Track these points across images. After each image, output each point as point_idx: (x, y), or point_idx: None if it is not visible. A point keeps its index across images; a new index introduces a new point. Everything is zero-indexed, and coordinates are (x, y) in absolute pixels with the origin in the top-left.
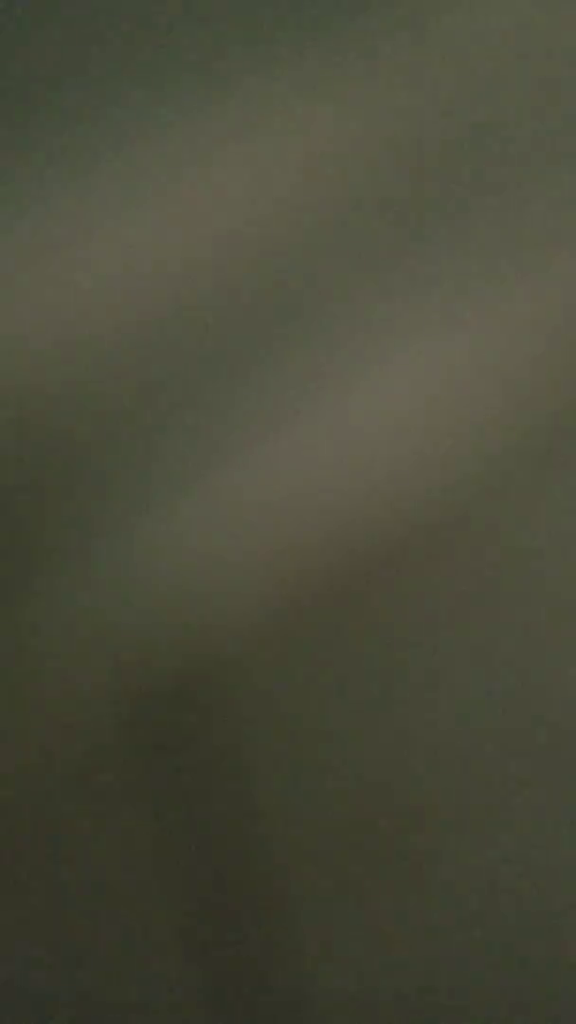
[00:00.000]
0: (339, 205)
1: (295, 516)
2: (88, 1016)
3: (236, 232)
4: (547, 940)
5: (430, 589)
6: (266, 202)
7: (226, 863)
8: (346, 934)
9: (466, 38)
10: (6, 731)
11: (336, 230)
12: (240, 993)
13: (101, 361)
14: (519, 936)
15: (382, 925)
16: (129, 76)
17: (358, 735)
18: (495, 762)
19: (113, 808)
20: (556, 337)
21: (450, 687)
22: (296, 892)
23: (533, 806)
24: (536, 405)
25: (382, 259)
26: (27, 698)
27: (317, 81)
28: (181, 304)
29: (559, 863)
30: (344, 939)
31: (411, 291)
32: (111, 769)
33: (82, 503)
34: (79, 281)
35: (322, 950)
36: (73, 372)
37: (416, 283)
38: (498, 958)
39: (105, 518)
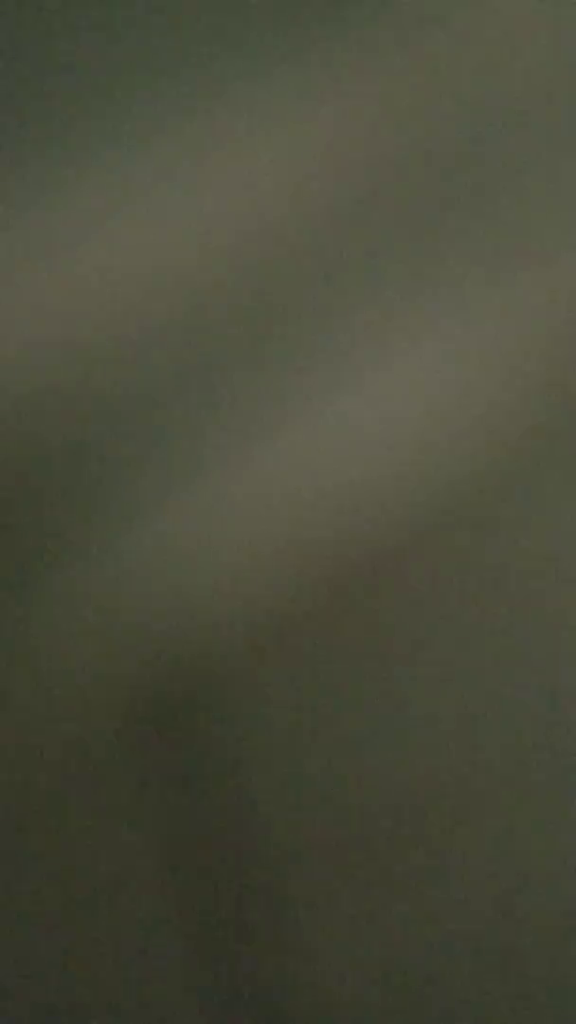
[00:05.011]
0: (338, 207)
1: (295, 517)
2: (88, 1015)
3: (235, 234)
4: (549, 938)
5: (430, 589)
6: (265, 204)
7: (227, 863)
8: (347, 933)
9: (465, 42)
10: (6, 732)
11: (335, 232)
12: (240, 991)
13: (101, 361)
14: (521, 935)
15: (383, 924)
16: (128, 80)
17: (359, 735)
18: (496, 761)
19: (114, 809)
20: (557, 337)
21: (451, 687)
22: (297, 891)
23: (535, 805)
24: (536, 405)
25: (381, 260)
26: (27, 700)
27: (316, 85)
28: (180, 306)
29: (560, 861)
30: (345, 938)
31: (410, 293)
32: (112, 770)
33: (81, 505)
34: (77, 283)
35: (322, 948)
36: (74, 372)
37: (415, 285)
38: (499, 957)
39: (105, 520)
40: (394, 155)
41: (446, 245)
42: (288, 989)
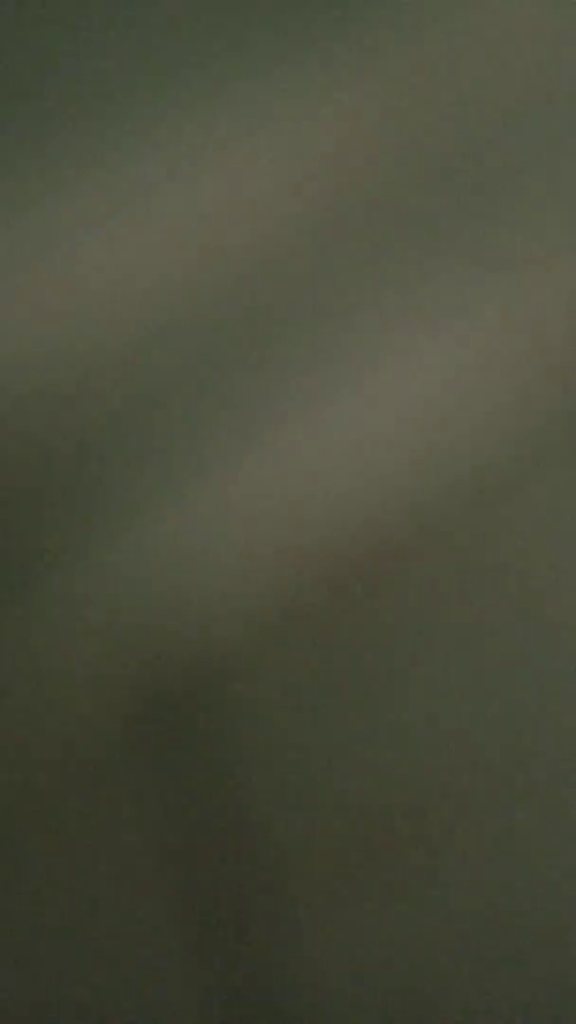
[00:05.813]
0: (337, 209)
1: (296, 517)
2: (88, 1015)
3: (233, 236)
4: (550, 937)
5: (430, 589)
6: (264, 206)
7: (227, 863)
8: (347, 933)
9: (464, 42)
10: (6, 732)
11: (335, 232)
12: (240, 991)
13: (101, 361)
14: (521, 935)
15: (383, 924)
16: (128, 81)
17: (359, 734)
18: (496, 762)
19: (114, 809)
20: (557, 337)
21: (451, 686)
22: (297, 891)
23: (535, 805)
24: (536, 405)
25: (381, 260)
26: (27, 700)
27: (316, 85)
28: (180, 306)
29: (560, 861)
30: (345, 938)
31: (409, 294)
32: (112, 770)
33: (81, 505)
34: (76, 284)
35: (322, 948)
36: (74, 372)
37: (415, 285)
38: (499, 957)
39: (105, 520)
40: (394, 155)
41: (446, 245)
42: (288, 989)
